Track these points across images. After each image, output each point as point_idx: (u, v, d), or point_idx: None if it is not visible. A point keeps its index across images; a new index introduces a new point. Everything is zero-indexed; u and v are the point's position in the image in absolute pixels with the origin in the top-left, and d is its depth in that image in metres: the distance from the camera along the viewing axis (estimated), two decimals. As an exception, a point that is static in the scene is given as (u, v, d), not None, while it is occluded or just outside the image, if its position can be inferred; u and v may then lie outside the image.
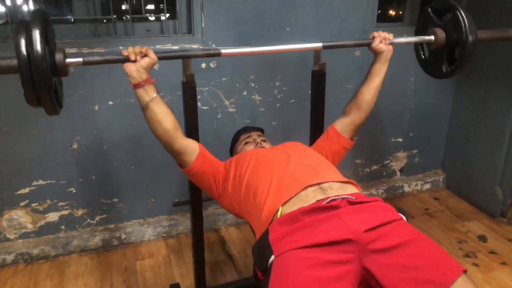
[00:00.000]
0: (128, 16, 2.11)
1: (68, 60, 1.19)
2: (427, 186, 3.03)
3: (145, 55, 1.31)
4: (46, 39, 1.08)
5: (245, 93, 2.33)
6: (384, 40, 1.56)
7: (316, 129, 1.86)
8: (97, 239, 2.27)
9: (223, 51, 1.43)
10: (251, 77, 2.31)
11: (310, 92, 1.87)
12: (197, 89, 1.56)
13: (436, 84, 2.72)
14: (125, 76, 2.08)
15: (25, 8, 2.02)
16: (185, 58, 1.46)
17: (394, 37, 1.60)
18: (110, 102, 2.11)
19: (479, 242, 2.39)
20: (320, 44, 1.53)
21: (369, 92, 1.59)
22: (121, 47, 1.26)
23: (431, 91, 2.81)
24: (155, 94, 1.34)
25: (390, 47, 1.59)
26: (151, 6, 2.39)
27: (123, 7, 2.26)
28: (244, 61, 2.26)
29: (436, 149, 3.02)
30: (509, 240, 2.40)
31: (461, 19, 1.49)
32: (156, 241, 2.39)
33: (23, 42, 1.04)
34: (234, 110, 2.34)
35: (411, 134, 2.88)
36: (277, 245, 1.12)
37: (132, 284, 2.06)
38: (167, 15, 2.21)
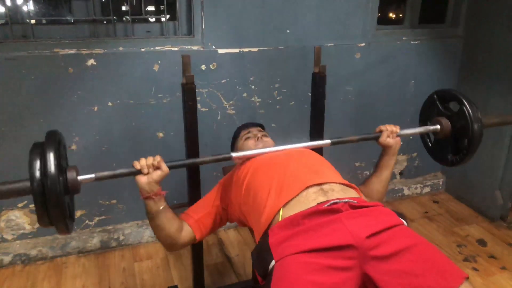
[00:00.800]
0: (128, 17, 2.11)
1: (80, 177, 1.19)
2: (427, 189, 3.03)
3: (157, 168, 1.31)
4: (59, 160, 1.10)
5: (244, 94, 2.32)
6: (391, 134, 1.56)
7: (316, 131, 1.85)
8: (95, 241, 2.26)
9: (234, 155, 1.42)
10: (251, 78, 2.31)
11: (310, 94, 1.87)
12: (196, 90, 1.56)
13: (436, 87, 2.68)
14: (125, 76, 2.09)
15: (25, 8, 2.01)
16: (194, 166, 1.47)
17: (401, 128, 1.59)
18: (110, 103, 2.10)
19: (479, 246, 2.38)
20: (328, 141, 1.53)
21: (380, 183, 1.59)
22: (132, 163, 1.27)
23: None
24: (164, 205, 1.34)
25: (398, 139, 1.58)
26: (151, 7, 2.39)
27: (123, 8, 2.25)
28: (244, 62, 2.26)
29: (435, 152, 3.01)
30: (509, 244, 2.39)
31: (466, 111, 1.51)
32: (154, 242, 2.37)
33: (37, 166, 1.06)
34: (234, 111, 2.33)
35: (410, 137, 2.87)
36: (277, 249, 1.11)
37: (130, 286, 2.05)
38: (167, 16, 2.21)
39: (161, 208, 1.34)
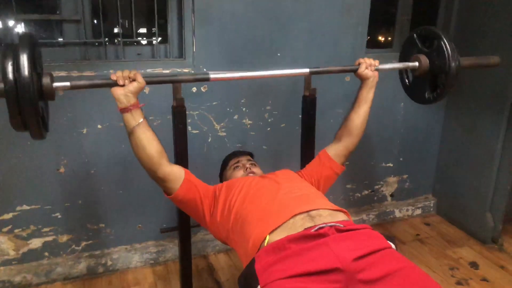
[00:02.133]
0: (119, 39, 2.11)
1: (55, 84, 1.18)
2: (418, 211, 3.02)
3: (134, 80, 1.30)
4: (34, 63, 1.07)
5: (236, 117, 2.32)
6: (370, 67, 1.60)
7: (307, 153, 1.85)
8: (81, 266, 2.20)
9: (212, 75, 1.43)
10: (242, 101, 2.31)
11: (300, 116, 1.87)
12: (187, 113, 1.55)
13: (426, 109, 2.74)
14: (114, 99, 2.07)
15: (15, 30, 2.01)
16: (174, 82, 1.46)
17: (380, 63, 1.62)
18: (99, 126, 2.08)
19: (471, 269, 2.36)
20: (307, 70, 1.56)
21: (358, 118, 1.62)
22: (111, 71, 1.25)
23: (420, 116, 2.83)
24: (141, 119, 1.33)
25: (376, 73, 1.62)
26: (143, 30, 2.41)
27: (115, 30, 2.26)
28: (235, 85, 2.27)
29: (426, 174, 3.03)
30: (501, 267, 2.38)
31: (444, 47, 1.54)
32: (143, 268, 2.32)
33: (10, 67, 1.02)
34: (225, 134, 2.32)
35: (401, 159, 2.89)
36: (263, 274, 1.09)
37: (117, 313, 2.00)
38: (159, 39, 2.22)
39: (140, 121, 1.32)
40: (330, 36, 2.41)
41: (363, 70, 1.59)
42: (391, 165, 2.87)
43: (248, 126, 2.37)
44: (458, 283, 2.23)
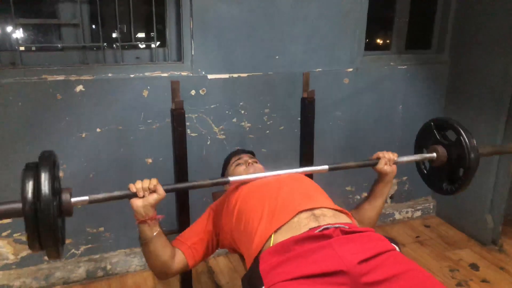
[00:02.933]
0: (118, 44, 2.12)
1: (74, 200, 1.16)
2: (418, 213, 3.02)
3: (153, 191, 1.29)
4: (53, 183, 1.05)
5: (234, 119, 2.33)
6: (389, 161, 1.56)
7: (306, 155, 1.85)
8: (81, 270, 2.20)
9: (232, 179, 1.41)
10: (241, 104, 2.31)
11: (299, 119, 1.87)
12: (186, 115, 1.55)
13: (424, 112, 2.75)
14: (114, 103, 2.08)
15: (14, 35, 2.01)
16: (193, 188, 1.42)
17: (398, 156, 1.58)
18: (98, 129, 2.08)
19: (471, 271, 2.36)
20: (326, 167, 1.52)
21: (372, 211, 1.59)
22: (130, 185, 1.24)
23: (419, 119, 2.82)
24: (158, 230, 1.31)
25: (394, 167, 1.58)
26: (141, 34, 2.41)
27: (114, 35, 2.27)
28: (234, 88, 2.27)
29: (425, 176, 3.02)
30: (501, 268, 2.38)
31: (463, 141, 1.52)
32: (142, 271, 2.32)
33: (30, 186, 1.01)
34: (224, 137, 2.32)
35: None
36: (267, 276, 1.09)
37: (116, 317, 1.99)
38: (157, 43, 2.22)
39: (155, 234, 1.30)
40: (328, 39, 2.41)
41: (382, 166, 1.55)
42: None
43: (247, 128, 2.37)
44: (459, 284, 2.23)
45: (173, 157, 1.64)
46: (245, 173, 1.55)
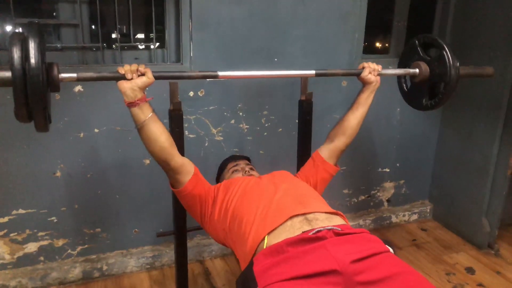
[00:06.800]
0: (117, 44, 2.12)
1: (62, 75, 1.15)
2: (415, 216, 3.03)
3: (142, 74, 1.29)
4: (43, 52, 1.03)
5: (232, 121, 2.33)
6: (373, 71, 1.61)
7: (304, 158, 1.86)
8: (77, 271, 2.19)
9: (220, 73, 1.42)
10: (239, 105, 2.32)
11: (297, 121, 1.88)
12: (184, 117, 1.55)
13: (422, 115, 2.76)
14: (112, 103, 2.08)
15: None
16: (182, 78, 1.44)
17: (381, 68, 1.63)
18: (96, 130, 2.08)
19: (467, 274, 2.37)
20: (313, 72, 1.56)
21: (355, 119, 1.64)
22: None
23: (417, 122, 2.85)
24: (151, 113, 1.31)
25: (378, 78, 1.63)
26: (141, 35, 2.41)
27: (113, 35, 2.27)
28: (232, 90, 2.27)
29: (423, 180, 3.04)
30: (497, 272, 2.38)
31: (446, 56, 1.55)
32: (139, 272, 2.31)
33: (18, 54, 0.98)
34: (222, 138, 2.33)
35: (398, 165, 2.90)
36: (262, 277, 1.09)
37: (112, 318, 1.99)
38: (157, 44, 2.22)
39: (149, 116, 1.30)
40: (327, 42, 2.42)
41: (366, 74, 1.60)
42: (388, 170, 2.88)
43: (245, 130, 2.37)
44: (455, 288, 2.24)
45: (171, 158, 1.64)
46: (242, 180, 1.54)
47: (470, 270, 2.41)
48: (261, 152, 2.42)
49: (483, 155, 2.57)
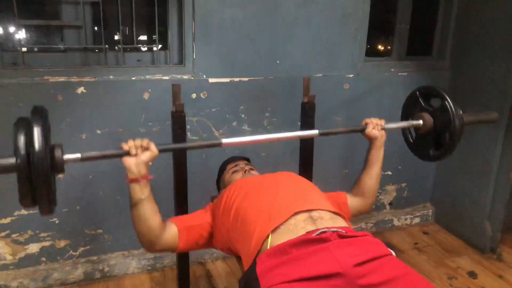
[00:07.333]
0: (120, 46, 2.12)
1: (66, 156, 1.15)
2: (417, 220, 3.02)
3: (146, 149, 1.29)
4: (47, 136, 1.04)
5: (234, 123, 2.33)
6: (376, 126, 1.60)
7: (305, 160, 1.86)
8: (78, 272, 2.20)
9: (224, 141, 1.41)
10: (241, 107, 2.32)
11: (299, 123, 1.88)
12: (186, 118, 1.56)
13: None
14: (114, 105, 2.09)
15: (17, 36, 2.02)
16: (186, 150, 1.44)
17: (386, 124, 1.63)
18: (98, 131, 2.09)
19: (469, 279, 2.36)
20: (316, 132, 1.55)
21: (371, 179, 1.61)
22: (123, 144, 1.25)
23: (419, 125, 2.84)
24: (148, 193, 1.31)
25: (383, 132, 1.62)
26: (143, 37, 2.42)
27: (116, 37, 2.27)
28: (234, 92, 2.27)
29: (425, 183, 3.03)
30: (499, 276, 2.37)
31: (448, 106, 1.55)
32: (140, 274, 2.31)
33: (22, 140, 0.99)
34: (224, 140, 2.32)
35: (399, 167, 2.89)
36: (264, 278, 1.09)
37: (113, 320, 1.99)
38: (159, 46, 2.23)
39: (146, 195, 1.29)
40: (329, 45, 2.42)
41: (370, 130, 1.59)
42: (390, 173, 2.87)
43: (247, 132, 2.37)
44: (457, 292, 2.23)
45: (173, 159, 1.64)
46: (242, 180, 1.53)
47: (472, 274, 2.40)
48: (262, 154, 2.42)
49: (485, 158, 2.56)
